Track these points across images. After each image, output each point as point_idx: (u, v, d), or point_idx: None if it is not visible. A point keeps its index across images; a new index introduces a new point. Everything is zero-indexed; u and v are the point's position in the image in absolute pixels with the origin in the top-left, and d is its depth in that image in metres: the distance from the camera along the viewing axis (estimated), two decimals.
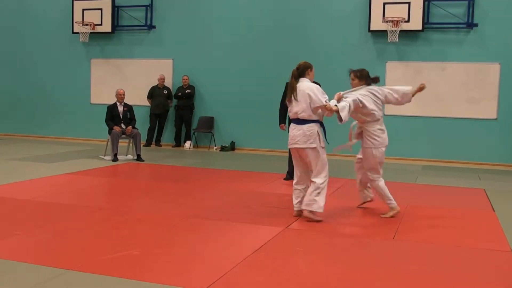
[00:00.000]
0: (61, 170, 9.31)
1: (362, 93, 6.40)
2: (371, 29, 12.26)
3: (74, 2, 14.50)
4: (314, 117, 6.11)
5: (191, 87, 13.75)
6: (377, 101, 6.47)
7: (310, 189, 6.08)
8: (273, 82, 13.10)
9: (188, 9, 13.87)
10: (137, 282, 3.97)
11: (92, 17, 14.33)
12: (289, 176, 9.03)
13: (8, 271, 4.18)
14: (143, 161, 10.85)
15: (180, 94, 13.70)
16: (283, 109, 8.97)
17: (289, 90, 6.33)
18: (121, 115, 11.16)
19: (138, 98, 13.82)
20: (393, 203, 6.44)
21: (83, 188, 7.83)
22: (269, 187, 8.25)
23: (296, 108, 6.17)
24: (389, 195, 6.43)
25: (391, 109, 12.40)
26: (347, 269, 4.45)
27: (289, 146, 6.28)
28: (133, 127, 11.15)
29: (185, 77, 13.71)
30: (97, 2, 14.32)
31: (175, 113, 13.95)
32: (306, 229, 5.75)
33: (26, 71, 15.47)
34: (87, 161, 10.64)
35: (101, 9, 14.31)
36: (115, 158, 10.75)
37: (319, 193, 6.01)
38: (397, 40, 11.95)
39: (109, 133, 10.98)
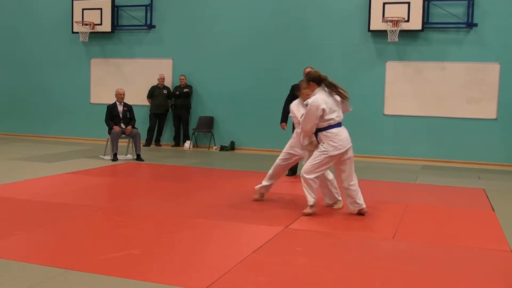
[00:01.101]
0: (61, 169, 9.31)
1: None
2: (371, 29, 12.26)
3: (74, 1, 14.50)
4: None
5: (188, 86, 13.75)
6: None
7: (357, 188, 6.40)
8: (273, 81, 13.12)
9: (188, 8, 13.87)
10: (137, 282, 3.97)
11: (92, 16, 14.33)
12: (291, 172, 9.10)
13: (8, 270, 4.18)
14: (143, 160, 10.85)
15: (177, 93, 13.70)
16: (288, 108, 8.99)
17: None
18: (121, 115, 11.16)
19: (138, 98, 13.82)
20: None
21: (83, 188, 7.83)
22: None
23: (339, 113, 6.35)
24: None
25: (390, 109, 12.43)
26: (347, 269, 4.45)
27: (348, 146, 6.28)
28: (133, 127, 11.15)
29: (182, 77, 13.72)
30: (97, 1, 14.32)
31: (173, 113, 13.96)
32: (306, 229, 5.75)
33: (26, 70, 15.47)
34: (87, 160, 10.64)
35: (101, 9, 14.31)
36: (115, 158, 10.75)
37: None
38: (397, 40, 11.95)
39: (109, 132, 10.98)
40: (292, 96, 8.93)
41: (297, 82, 9.02)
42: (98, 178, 8.82)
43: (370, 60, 12.52)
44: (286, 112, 9.12)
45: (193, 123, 13.94)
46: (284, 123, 9.28)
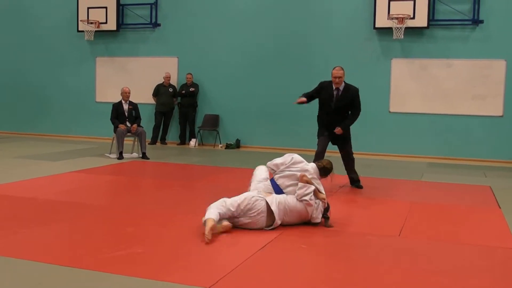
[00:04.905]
0: (66, 168, 9.33)
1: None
2: (376, 26, 12.23)
3: (79, 0, 14.52)
4: None
5: (195, 85, 13.75)
6: None
7: None
8: (277, 79, 13.12)
9: (192, 6, 13.87)
10: (141, 280, 3.97)
11: (97, 15, 14.35)
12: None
13: (12, 268, 4.19)
14: (149, 159, 10.85)
15: (183, 92, 13.71)
16: (311, 94, 8.08)
17: None
18: (126, 113, 11.16)
19: (143, 96, 13.83)
20: None
21: (88, 186, 7.84)
22: None
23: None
24: None
25: (396, 106, 12.40)
26: (352, 266, 4.43)
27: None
28: (138, 125, 11.16)
29: (189, 75, 13.72)
30: (102, 0, 14.34)
31: (179, 111, 13.97)
32: (311, 226, 5.72)
33: (31, 69, 15.50)
34: (93, 159, 10.65)
35: (106, 7, 14.33)
36: (120, 156, 10.77)
37: None
38: (402, 37, 11.92)
39: (115, 131, 11.00)
40: (318, 92, 8.01)
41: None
42: (103, 176, 8.83)
43: (375, 58, 12.49)
44: (308, 95, 7.99)
45: (198, 121, 13.95)
46: (304, 98, 7.92)
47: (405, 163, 11.36)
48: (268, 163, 6.11)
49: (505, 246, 5.17)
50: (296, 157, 6.01)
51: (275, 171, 6.01)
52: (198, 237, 5.16)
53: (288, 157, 6.02)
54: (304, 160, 6.00)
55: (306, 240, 5.21)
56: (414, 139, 12.28)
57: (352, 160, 8.12)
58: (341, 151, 8.12)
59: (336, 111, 7.88)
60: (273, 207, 5.41)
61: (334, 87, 7.86)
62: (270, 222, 5.44)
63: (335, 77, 7.76)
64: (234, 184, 8.19)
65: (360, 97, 7.97)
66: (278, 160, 6.04)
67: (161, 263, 4.35)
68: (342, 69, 7.84)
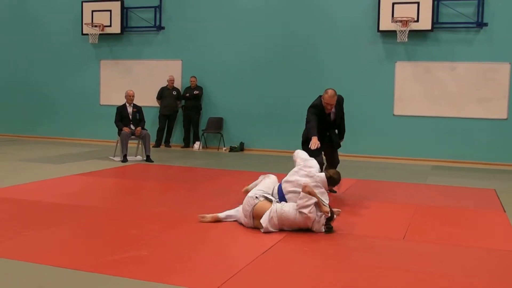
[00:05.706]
0: (70, 171, 9.34)
1: None
2: (380, 29, 12.21)
3: (84, 3, 14.56)
4: None
5: (199, 88, 13.76)
6: None
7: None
8: (282, 82, 13.11)
9: (196, 9, 13.88)
10: (146, 283, 3.97)
11: (101, 18, 14.37)
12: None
13: (16, 271, 4.19)
14: (153, 162, 10.86)
15: (187, 95, 13.71)
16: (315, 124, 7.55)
17: None
18: (130, 116, 11.19)
19: (147, 99, 13.84)
20: None
21: (93, 189, 7.85)
22: None
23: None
24: None
25: (400, 110, 12.38)
26: (356, 269, 4.42)
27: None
28: (142, 128, 11.17)
29: (193, 78, 13.72)
30: (106, 3, 14.37)
31: (183, 114, 13.98)
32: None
33: (35, 72, 15.53)
34: (97, 162, 10.67)
35: (110, 11, 14.35)
36: (124, 159, 10.78)
37: None
38: (407, 40, 11.90)
39: (119, 134, 11.01)
40: (316, 115, 7.49)
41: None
42: (108, 179, 8.84)
43: (379, 61, 12.47)
44: (316, 129, 7.38)
45: (202, 124, 13.95)
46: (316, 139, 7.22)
47: (409, 166, 11.34)
48: (297, 151, 6.62)
49: (510, 249, 5.16)
50: (311, 162, 6.21)
51: (295, 162, 6.39)
52: (202, 240, 5.16)
53: (308, 158, 6.38)
54: (318, 167, 6.11)
55: (310, 243, 5.20)
56: (418, 142, 12.25)
57: (338, 162, 7.97)
58: (328, 153, 7.90)
59: (332, 126, 7.81)
60: (264, 221, 5.48)
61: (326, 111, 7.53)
62: (258, 225, 5.56)
63: (328, 104, 7.38)
64: (238, 187, 8.17)
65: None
66: (302, 155, 6.46)
67: (165, 266, 4.35)
68: (336, 94, 7.38)
